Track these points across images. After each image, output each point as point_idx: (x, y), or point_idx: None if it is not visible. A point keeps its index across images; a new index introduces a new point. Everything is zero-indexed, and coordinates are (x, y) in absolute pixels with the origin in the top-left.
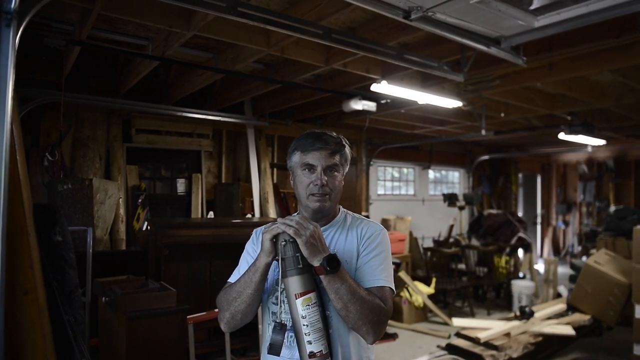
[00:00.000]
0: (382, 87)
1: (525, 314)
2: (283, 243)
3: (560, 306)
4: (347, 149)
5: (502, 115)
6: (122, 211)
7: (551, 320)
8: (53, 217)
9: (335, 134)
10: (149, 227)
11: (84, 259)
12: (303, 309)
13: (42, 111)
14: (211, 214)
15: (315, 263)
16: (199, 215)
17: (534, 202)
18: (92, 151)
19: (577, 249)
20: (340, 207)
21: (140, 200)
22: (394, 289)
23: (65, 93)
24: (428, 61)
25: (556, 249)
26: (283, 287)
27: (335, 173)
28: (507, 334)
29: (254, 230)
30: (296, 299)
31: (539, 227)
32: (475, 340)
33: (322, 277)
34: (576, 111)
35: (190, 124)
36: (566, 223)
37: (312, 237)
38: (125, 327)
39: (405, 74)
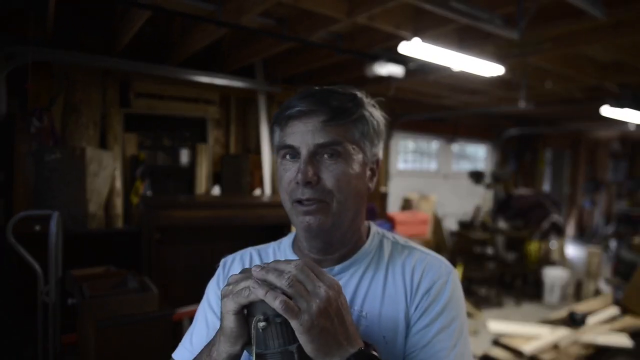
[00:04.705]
0: (413, 46)
1: (576, 322)
2: (262, 325)
3: (610, 309)
4: (370, 113)
5: (551, 85)
6: (118, 184)
7: (603, 327)
8: None
9: (350, 90)
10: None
11: (76, 241)
12: None
13: (31, 71)
14: (216, 189)
15: None
16: (203, 189)
17: (561, 180)
18: (85, 117)
19: (606, 230)
20: (371, 224)
21: (139, 172)
22: None
23: (52, 50)
24: (478, 12)
25: (581, 230)
26: None
27: (338, 158)
28: (555, 346)
29: (222, 261)
30: None
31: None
32: (517, 353)
33: None
34: (628, 82)
35: (195, 88)
36: (593, 203)
37: (324, 312)
38: (94, 337)
39: (440, 32)
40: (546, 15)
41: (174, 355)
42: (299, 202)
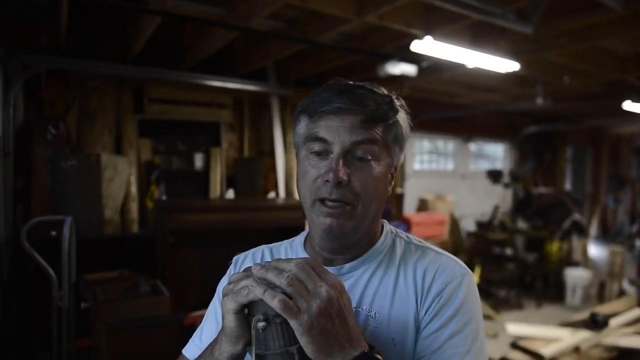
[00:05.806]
0: (425, 44)
1: (598, 324)
2: (261, 325)
3: (634, 310)
4: (403, 118)
5: (568, 80)
6: (133, 189)
7: (626, 329)
8: None
9: (383, 89)
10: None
11: (92, 246)
12: None
13: (46, 79)
14: (230, 192)
15: None
16: (218, 193)
17: (582, 178)
18: (100, 124)
19: (631, 229)
20: (385, 223)
21: (154, 177)
22: None
23: (66, 58)
24: (490, 7)
25: (605, 229)
26: None
27: (369, 161)
28: (576, 349)
29: (234, 258)
30: None
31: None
32: (537, 356)
33: None
34: None
35: (208, 92)
36: (617, 201)
37: (325, 313)
38: (107, 340)
39: (452, 29)
40: (560, 8)
41: (183, 350)
42: (323, 201)
